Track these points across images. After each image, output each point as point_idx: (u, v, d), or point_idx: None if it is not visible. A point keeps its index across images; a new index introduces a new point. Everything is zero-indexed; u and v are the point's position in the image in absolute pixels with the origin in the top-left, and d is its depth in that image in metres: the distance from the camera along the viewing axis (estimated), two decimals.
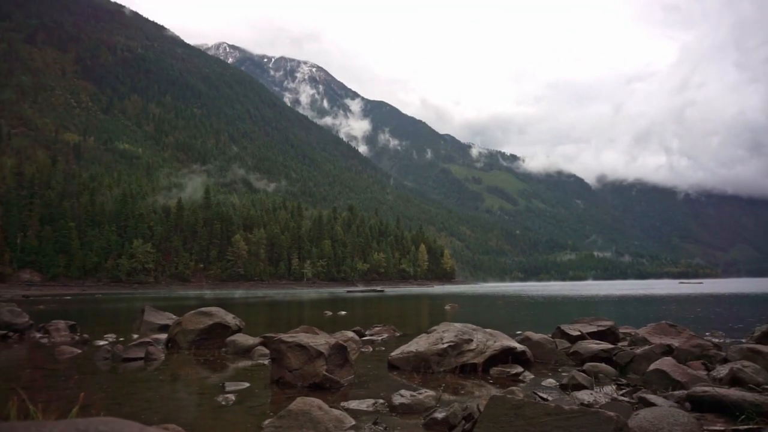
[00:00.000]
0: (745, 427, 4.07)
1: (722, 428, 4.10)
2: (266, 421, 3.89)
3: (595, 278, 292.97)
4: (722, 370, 6.24)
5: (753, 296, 37.74)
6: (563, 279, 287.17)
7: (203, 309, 11.29)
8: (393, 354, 8.13)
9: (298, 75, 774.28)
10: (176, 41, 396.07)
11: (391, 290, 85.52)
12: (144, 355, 8.97)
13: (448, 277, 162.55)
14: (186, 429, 4.32)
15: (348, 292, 73.29)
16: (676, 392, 5.33)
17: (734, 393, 4.59)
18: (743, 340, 9.58)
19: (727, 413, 4.46)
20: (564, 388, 6.29)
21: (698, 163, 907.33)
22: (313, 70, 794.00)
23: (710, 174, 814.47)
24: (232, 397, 5.88)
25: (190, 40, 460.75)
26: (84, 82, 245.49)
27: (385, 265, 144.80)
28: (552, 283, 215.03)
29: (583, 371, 7.00)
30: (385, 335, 12.47)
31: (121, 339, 11.98)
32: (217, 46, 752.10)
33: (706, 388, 4.75)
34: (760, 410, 4.32)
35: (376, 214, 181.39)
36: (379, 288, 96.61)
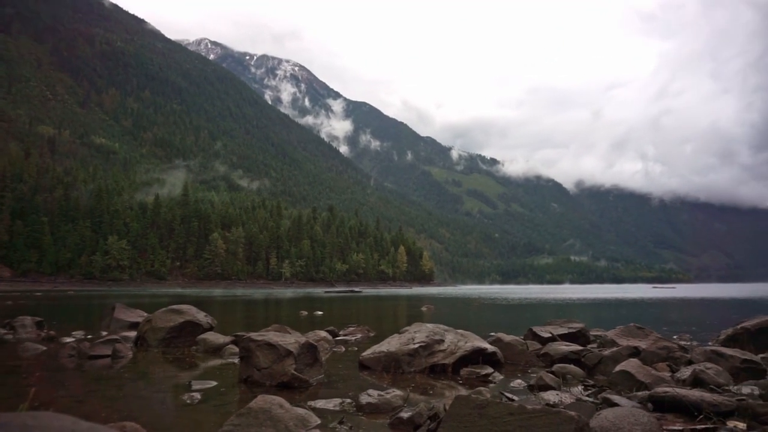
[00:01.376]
0: (703, 426, 4.15)
1: (681, 428, 4.17)
2: (227, 420, 3.85)
3: (572, 282, 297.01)
4: (686, 372, 6.35)
5: (722, 301, 38.62)
6: (540, 282, 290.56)
7: (174, 306, 11.12)
8: (364, 354, 8.10)
9: (280, 73, 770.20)
10: (157, 35, 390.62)
11: (369, 291, 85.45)
12: (111, 353, 8.79)
13: (426, 279, 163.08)
14: (147, 427, 4.24)
15: (326, 292, 73.02)
16: (639, 393, 5.41)
17: (694, 393, 4.67)
18: (709, 343, 9.77)
19: (687, 413, 4.55)
20: (531, 388, 6.34)
21: (673, 170, 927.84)
22: (296, 68, 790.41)
23: (684, 181, 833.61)
24: (197, 395, 5.79)
25: (171, 34, 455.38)
26: (60, 74, 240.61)
27: (364, 266, 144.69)
28: (529, 286, 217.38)
29: (552, 372, 7.07)
30: (359, 335, 12.43)
31: (89, 336, 11.73)
32: (199, 42, 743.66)
33: (667, 389, 4.83)
34: (717, 410, 4.41)
35: (356, 214, 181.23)
36: (356, 289, 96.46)
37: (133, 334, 11.31)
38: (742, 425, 4.17)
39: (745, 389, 5.69)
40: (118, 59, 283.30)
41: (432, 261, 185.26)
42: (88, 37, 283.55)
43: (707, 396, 4.61)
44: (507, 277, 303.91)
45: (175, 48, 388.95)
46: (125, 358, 8.72)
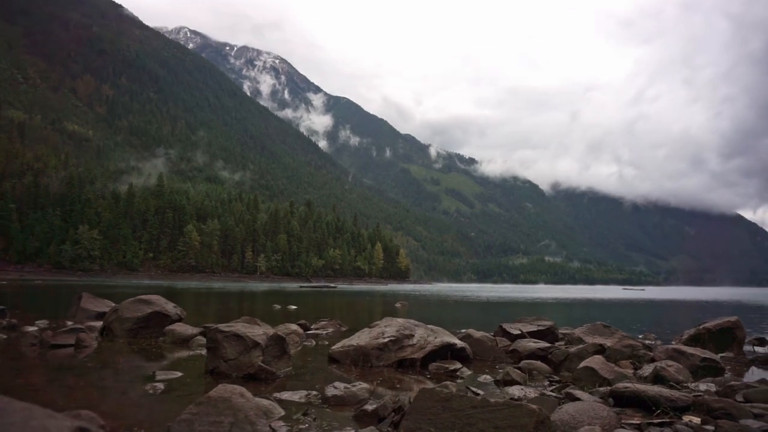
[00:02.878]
0: (659, 420, 4.25)
1: (639, 422, 4.26)
2: (185, 409, 3.80)
3: (546, 282, 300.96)
4: (647, 369, 6.50)
5: (688, 303, 39.63)
6: (515, 282, 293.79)
7: (142, 297, 10.94)
8: (334, 347, 8.08)
9: (259, 64, 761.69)
10: (134, 22, 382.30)
11: (344, 287, 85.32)
12: (74, 342, 8.59)
13: (402, 276, 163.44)
14: (105, 416, 4.16)
15: (300, 287, 72.67)
16: (601, 388, 5.51)
17: (652, 389, 4.78)
18: (673, 342, 9.99)
19: (646, 408, 4.65)
20: (498, 383, 6.41)
21: (645, 174, 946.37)
22: (276, 61, 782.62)
23: (656, 185, 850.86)
24: (161, 386, 5.71)
25: (149, 21, 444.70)
26: (33, 58, 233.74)
27: (341, 262, 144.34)
28: (504, 285, 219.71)
29: (519, 368, 7.16)
30: (331, 329, 12.40)
31: (54, 326, 11.45)
32: (178, 30, 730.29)
33: (627, 385, 4.93)
34: (674, 405, 4.53)
35: (334, 210, 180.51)
36: (331, 284, 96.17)
37: (99, 324, 11.08)
38: (696, 419, 4.29)
39: (703, 386, 5.85)
40: (94, 44, 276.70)
41: (408, 258, 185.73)
42: (63, 21, 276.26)
43: (665, 391, 4.73)
44: (482, 276, 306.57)
45: (153, 35, 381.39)
46: (89, 347, 8.54)
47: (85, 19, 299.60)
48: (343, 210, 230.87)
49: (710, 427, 4.08)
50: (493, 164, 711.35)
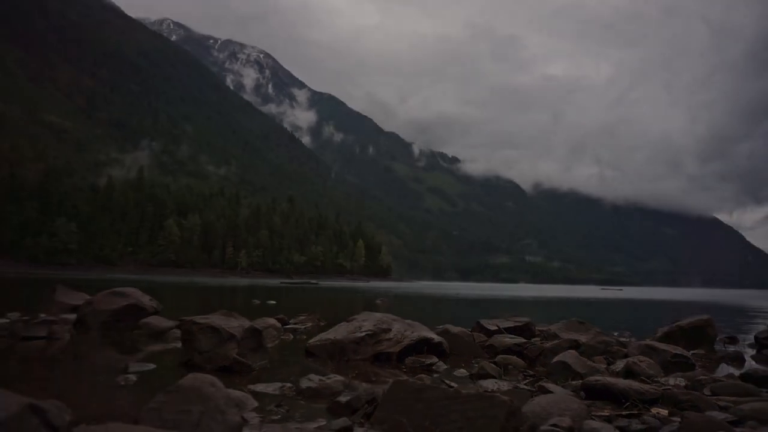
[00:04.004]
0: (628, 412, 4.33)
1: (608, 413, 4.33)
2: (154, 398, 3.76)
3: (527, 281, 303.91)
4: (620, 364, 6.61)
5: (664, 303, 40.36)
6: (496, 280, 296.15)
7: (118, 289, 10.81)
8: (311, 341, 8.06)
9: (244, 59, 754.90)
10: (116, 12, 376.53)
11: (325, 283, 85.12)
12: (46, 334, 8.44)
13: (384, 274, 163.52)
14: (72, 406, 4.08)
15: (281, 283, 72.40)
16: (573, 382, 5.59)
17: (622, 382, 4.87)
18: (647, 339, 10.16)
19: (616, 401, 4.74)
20: (472, 377, 6.46)
21: (625, 176, 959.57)
22: (261, 55, 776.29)
23: (635, 187, 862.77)
24: (133, 377, 5.64)
25: (132, 12, 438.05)
26: (10, 47, 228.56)
27: (322, 259, 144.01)
28: (486, 284, 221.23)
29: (494, 362, 7.21)
30: (309, 324, 12.36)
31: (26, 318, 11.23)
32: (160, 22, 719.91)
33: (598, 378, 5.01)
34: (643, 398, 4.62)
35: (316, 207, 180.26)
36: (313, 281, 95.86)
37: (74, 316, 10.90)
38: (664, 411, 4.38)
39: (672, 380, 5.97)
40: (74, 34, 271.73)
41: (390, 256, 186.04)
42: (42, 10, 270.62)
43: (635, 385, 4.82)
44: (464, 275, 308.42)
45: (135, 26, 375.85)
46: (62, 340, 8.40)
47: (65, 8, 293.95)
48: (326, 207, 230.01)
49: (677, 419, 4.16)
50: (475, 163, 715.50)
